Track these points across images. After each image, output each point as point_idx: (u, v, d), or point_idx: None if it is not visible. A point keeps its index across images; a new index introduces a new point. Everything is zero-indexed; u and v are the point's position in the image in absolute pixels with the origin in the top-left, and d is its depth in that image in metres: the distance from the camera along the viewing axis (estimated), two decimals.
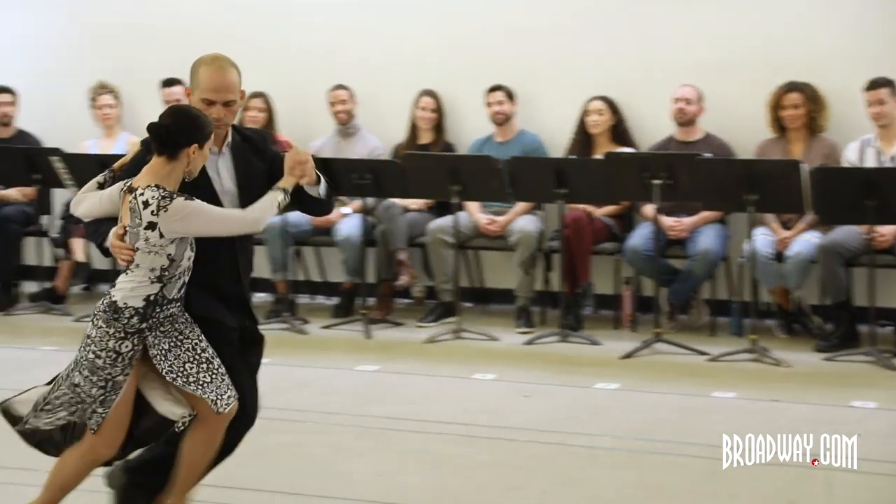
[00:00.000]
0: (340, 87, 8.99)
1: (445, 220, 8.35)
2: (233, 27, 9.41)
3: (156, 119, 4.07)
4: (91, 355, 4.01)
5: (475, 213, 8.51)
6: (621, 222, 8.47)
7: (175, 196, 3.97)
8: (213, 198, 4.20)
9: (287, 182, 4.18)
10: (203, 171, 4.21)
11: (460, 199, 8.15)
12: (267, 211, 4.14)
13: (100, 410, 4.01)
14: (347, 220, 8.62)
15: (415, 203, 8.67)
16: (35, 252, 9.48)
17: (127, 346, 4.01)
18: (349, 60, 9.22)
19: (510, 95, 8.69)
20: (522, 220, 8.42)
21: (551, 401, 6.74)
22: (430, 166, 8.19)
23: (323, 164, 7.97)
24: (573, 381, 7.14)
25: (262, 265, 8.87)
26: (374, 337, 8.18)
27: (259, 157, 4.37)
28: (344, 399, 6.74)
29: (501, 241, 8.37)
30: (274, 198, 4.13)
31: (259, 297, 9.36)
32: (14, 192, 9.48)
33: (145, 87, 9.64)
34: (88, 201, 4.24)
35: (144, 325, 4.01)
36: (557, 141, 8.72)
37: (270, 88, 8.99)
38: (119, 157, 9.12)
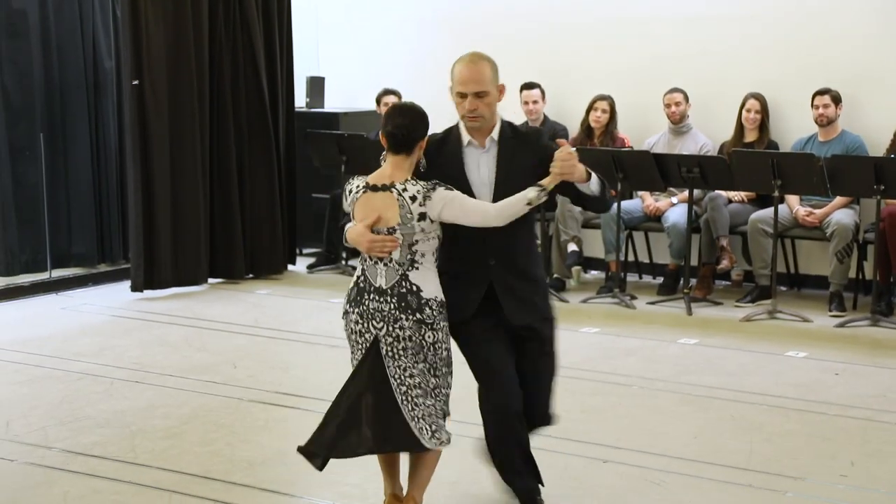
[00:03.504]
0: (675, 90, 8.93)
1: (766, 212, 8.25)
2: (580, 35, 9.63)
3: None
4: (444, 353, 4.09)
5: (794, 206, 8.38)
6: None
7: (437, 185, 3.98)
8: (465, 189, 4.10)
9: (548, 180, 4.02)
10: (460, 162, 4.15)
11: (781, 193, 8.02)
12: (513, 207, 4.01)
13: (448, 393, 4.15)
14: (676, 208, 8.63)
15: (737, 195, 8.61)
16: None
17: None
18: (684, 65, 9.15)
19: (835, 99, 8.45)
20: (839, 213, 8.23)
21: (861, 380, 6.59)
22: (755, 162, 8.05)
23: (654, 160, 8.35)
24: (883, 362, 6.95)
25: (597, 247, 9.17)
26: (694, 314, 8.15)
27: (529, 153, 4.18)
28: (666, 368, 6.75)
29: (818, 232, 8.19)
30: (525, 195, 4.00)
31: (592, 275, 9.46)
32: None
33: (509, 88, 9.93)
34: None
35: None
36: (879, 141, 8.45)
37: (613, 91, 9.07)
38: None
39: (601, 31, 9.49)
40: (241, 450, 5.32)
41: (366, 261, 4.11)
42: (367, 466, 5.04)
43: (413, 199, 3.97)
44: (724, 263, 8.76)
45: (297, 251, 10.13)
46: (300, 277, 9.66)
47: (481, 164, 4.16)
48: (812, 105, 8.49)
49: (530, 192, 4.00)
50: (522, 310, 4.24)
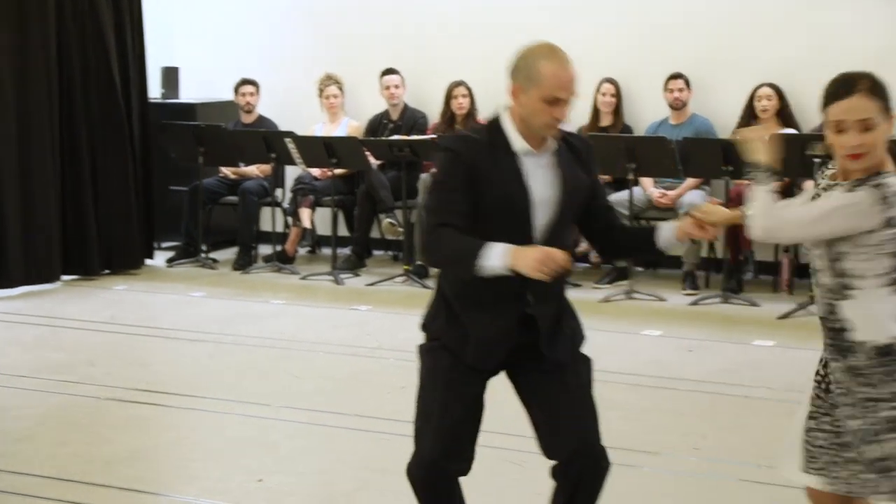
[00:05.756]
0: None
1: (621, 194, 8.36)
2: (442, 21, 9.60)
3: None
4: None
5: (648, 188, 8.58)
6: (783, 197, 8.36)
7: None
8: (524, 208, 3.44)
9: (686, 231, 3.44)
10: (516, 170, 3.45)
11: (635, 175, 8.21)
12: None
13: None
14: None
15: None
16: (269, 220, 9.66)
17: None
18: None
19: (688, 83, 8.69)
20: (691, 195, 8.44)
21: (712, 355, 6.77)
22: (610, 146, 8.16)
23: None
24: (733, 338, 7.15)
25: None
26: None
27: (584, 169, 3.55)
28: None
29: (672, 213, 8.23)
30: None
31: None
32: (254, 169, 9.76)
33: (365, 76, 9.76)
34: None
35: None
36: (726, 123, 8.61)
37: (472, 77, 9.05)
38: (340, 139, 9.42)
39: (456, 18, 9.53)
40: (99, 449, 5.22)
41: None
42: (229, 461, 5.07)
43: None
44: (583, 246, 8.86)
45: (156, 245, 10.00)
46: (159, 272, 9.54)
47: (537, 173, 3.45)
48: (665, 89, 8.74)
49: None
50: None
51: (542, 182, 3.43)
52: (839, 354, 3.20)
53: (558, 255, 3.22)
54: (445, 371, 3.52)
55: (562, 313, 3.57)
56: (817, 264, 3.21)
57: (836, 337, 3.20)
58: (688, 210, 3.33)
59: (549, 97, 3.33)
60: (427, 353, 3.58)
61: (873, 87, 3.20)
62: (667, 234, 3.51)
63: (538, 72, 3.35)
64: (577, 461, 3.51)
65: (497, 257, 3.27)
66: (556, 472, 3.57)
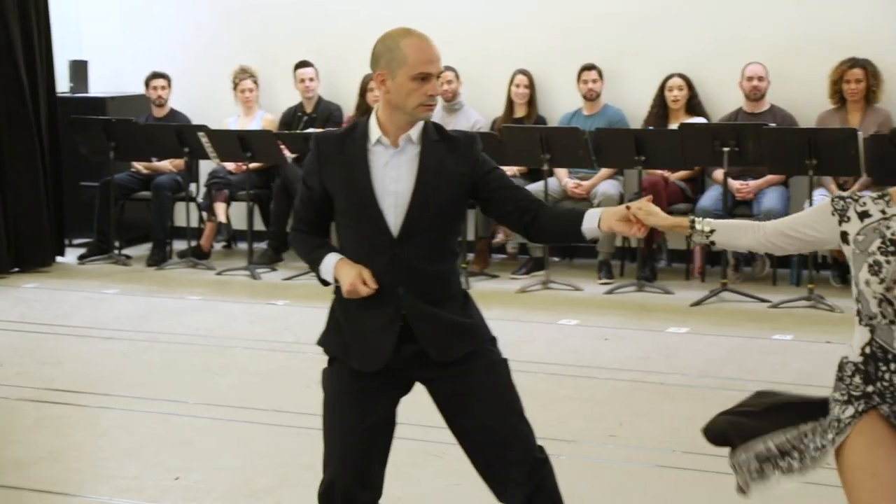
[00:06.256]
0: (448, 68, 8.92)
1: (537, 185, 8.42)
2: (355, 13, 9.56)
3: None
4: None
5: (563, 179, 8.66)
6: (693, 185, 8.62)
7: None
8: (368, 198, 3.35)
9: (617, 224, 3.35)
10: (364, 165, 3.37)
11: (550, 166, 8.30)
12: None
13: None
14: None
15: (510, 170, 8.61)
16: (184, 215, 9.57)
17: (848, 412, 3.09)
18: (456, 43, 8.89)
19: (601, 74, 8.79)
20: (605, 185, 8.57)
21: (628, 343, 6.88)
22: (524, 137, 8.31)
23: None
24: (648, 325, 7.27)
25: None
26: (473, 287, 8.17)
27: (459, 158, 3.42)
28: None
29: (586, 203, 8.33)
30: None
31: None
32: (167, 164, 9.72)
33: (280, 69, 9.82)
34: None
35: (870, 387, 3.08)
36: (638, 114, 8.82)
37: None
38: (254, 132, 9.30)
39: (370, 10, 9.52)
40: (9, 450, 5.14)
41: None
42: (145, 459, 5.03)
43: None
44: (500, 237, 9.03)
45: (67, 242, 9.89)
46: (71, 269, 9.43)
47: (391, 167, 3.37)
48: (579, 80, 8.85)
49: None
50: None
51: (394, 174, 3.35)
52: None
53: (362, 287, 3.27)
54: (346, 396, 3.43)
55: (445, 305, 3.43)
56: None
57: None
58: (627, 203, 3.24)
59: (418, 74, 3.27)
60: (327, 378, 3.50)
61: None
62: (591, 224, 3.41)
63: (401, 51, 3.28)
64: (526, 485, 3.41)
65: (327, 272, 3.38)
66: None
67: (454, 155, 3.39)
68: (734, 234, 3.34)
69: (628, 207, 3.35)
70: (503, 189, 3.46)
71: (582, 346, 6.84)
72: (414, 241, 3.33)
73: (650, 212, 3.34)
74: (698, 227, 3.29)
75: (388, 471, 3.50)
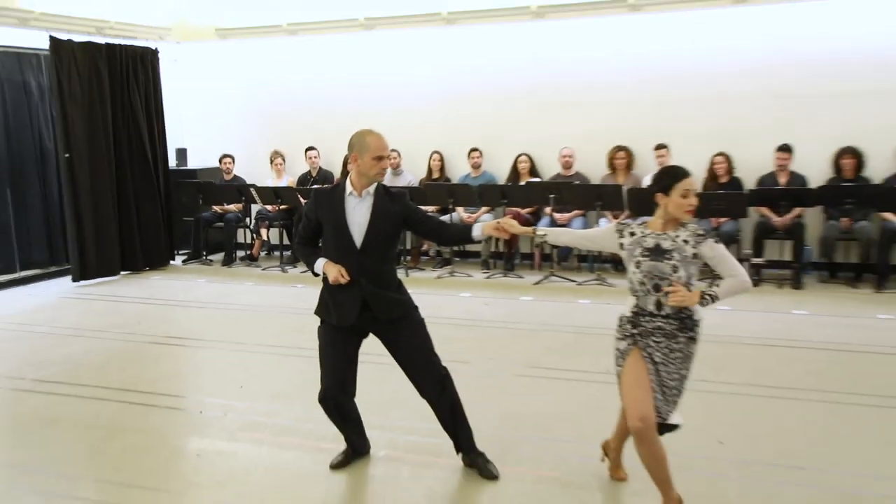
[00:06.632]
0: (394, 150, 8.88)
1: (445, 217, 8.30)
2: (341, 117, 9.26)
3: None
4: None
5: (461, 213, 8.57)
6: (535, 216, 8.47)
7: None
8: (343, 226, 3.38)
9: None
10: (342, 206, 3.39)
11: (453, 206, 8.23)
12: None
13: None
14: None
15: (429, 208, 8.42)
16: (242, 236, 9.60)
17: (623, 345, 3.17)
18: (399, 134, 8.88)
19: (481, 153, 8.70)
20: (486, 216, 8.56)
21: (499, 307, 6.80)
22: (438, 189, 8.23)
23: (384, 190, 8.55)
24: (510, 295, 7.21)
25: None
26: (409, 276, 8.13)
27: (396, 205, 3.46)
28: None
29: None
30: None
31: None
32: (232, 207, 9.51)
33: (297, 150, 9.59)
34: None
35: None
36: (502, 175, 8.75)
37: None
38: (283, 188, 8.73)
39: (349, 115, 9.18)
40: (144, 372, 5.06)
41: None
42: (225, 376, 4.98)
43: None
44: (425, 247, 8.91)
45: (175, 252, 9.67)
46: (178, 268, 9.21)
47: (358, 207, 3.40)
48: (469, 156, 8.58)
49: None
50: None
51: (360, 213, 3.41)
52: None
53: (341, 278, 3.27)
54: (329, 336, 3.44)
55: (388, 288, 3.42)
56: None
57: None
58: (498, 220, 3.47)
59: (377, 156, 3.34)
60: (320, 331, 3.54)
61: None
62: (477, 231, 3.48)
63: (366, 143, 3.35)
64: (436, 389, 3.45)
65: (318, 268, 3.43)
66: (430, 402, 3.51)
67: (394, 203, 3.46)
68: (559, 237, 3.41)
69: (499, 222, 3.47)
70: (424, 220, 3.55)
71: (472, 308, 6.74)
72: (370, 252, 3.40)
73: (511, 224, 3.43)
74: (539, 231, 3.39)
75: (359, 380, 3.54)
